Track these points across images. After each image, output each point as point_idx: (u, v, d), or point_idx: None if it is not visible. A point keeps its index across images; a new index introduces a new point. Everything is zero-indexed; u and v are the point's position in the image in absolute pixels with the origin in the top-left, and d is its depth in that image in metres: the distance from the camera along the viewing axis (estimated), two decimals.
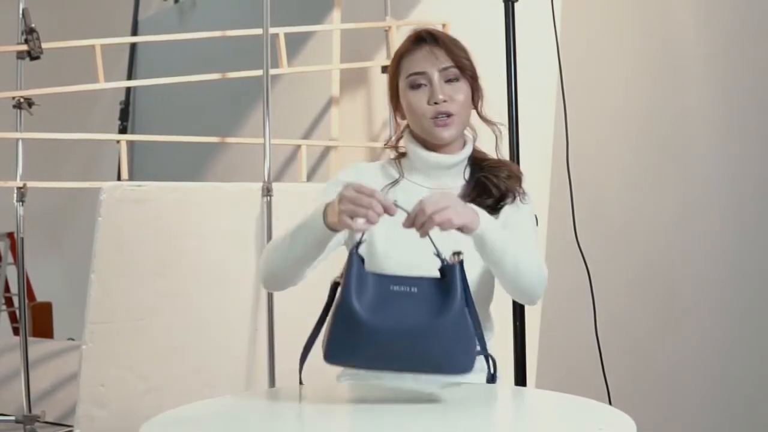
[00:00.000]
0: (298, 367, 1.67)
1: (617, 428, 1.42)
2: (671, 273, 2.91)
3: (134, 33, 5.06)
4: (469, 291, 1.61)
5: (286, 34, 3.54)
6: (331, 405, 1.63)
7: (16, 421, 2.99)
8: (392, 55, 2.02)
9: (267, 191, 2.90)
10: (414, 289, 1.55)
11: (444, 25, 3.49)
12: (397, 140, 1.90)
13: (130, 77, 4.93)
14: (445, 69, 1.81)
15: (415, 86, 1.81)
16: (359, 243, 1.59)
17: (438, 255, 1.57)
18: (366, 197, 1.54)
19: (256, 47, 3.16)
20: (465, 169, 1.87)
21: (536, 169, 3.11)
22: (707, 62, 2.83)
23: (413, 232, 1.64)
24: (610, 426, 1.43)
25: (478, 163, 1.87)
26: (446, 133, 1.81)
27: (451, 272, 1.56)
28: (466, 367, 1.53)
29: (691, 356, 2.83)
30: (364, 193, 1.55)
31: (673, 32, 2.94)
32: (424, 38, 1.83)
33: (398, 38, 3.53)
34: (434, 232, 1.60)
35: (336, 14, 3.76)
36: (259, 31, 3.16)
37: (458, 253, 1.59)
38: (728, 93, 2.77)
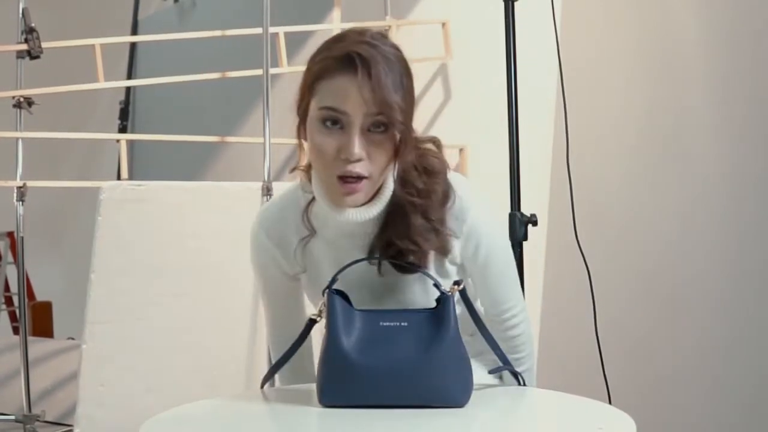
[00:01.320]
0: (275, 374, 1.67)
1: (617, 428, 1.42)
2: (671, 273, 2.90)
3: (134, 32, 5.06)
4: (476, 312, 1.60)
5: (286, 34, 3.54)
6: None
7: (16, 421, 2.99)
8: None
9: (267, 191, 2.90)
10: (404, 323, 1.50)
11: (444, 24, 3.49)
12: (307, 171, 1.57)
13: (129, 77, 4.94)
14: (373, 114, 1.40)
15: (327, 124, 1.42)
16: (333, 280, 1.53)
17: (437, 286, 1.53)
18: None
19: (255, 46, 3.16)
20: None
21: (536, 169, 3.11)
22: (707, 62, 2.83)
23: (358, 290, 1.57)
24: (610, 426, 1.43)
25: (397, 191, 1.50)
26: (351, 200, 1.45)
27: (446, 303, 1.50)
28: (462, 400, 1.50)
29: (691, 356, 2.83)
30: None
31: (673, 32, 2.94)
32: (354, 62, 1.39)
33: (398, 38, 3.53)
34: None
35: (336, 13, 3.76)
36: (259, 30, 3.16)
37: (458, 282, 1.55)
38: (728, 93, 2.77)
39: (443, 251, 1.54)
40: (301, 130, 1.52)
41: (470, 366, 1.53)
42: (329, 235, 1.58)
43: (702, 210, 2.83)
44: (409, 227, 1.50)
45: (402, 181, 1.51)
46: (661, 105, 2.96)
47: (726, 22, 2.79)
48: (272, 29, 3.19)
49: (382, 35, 1.47)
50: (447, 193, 1.53)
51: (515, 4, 2.36)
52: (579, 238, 2.39)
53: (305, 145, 1.51)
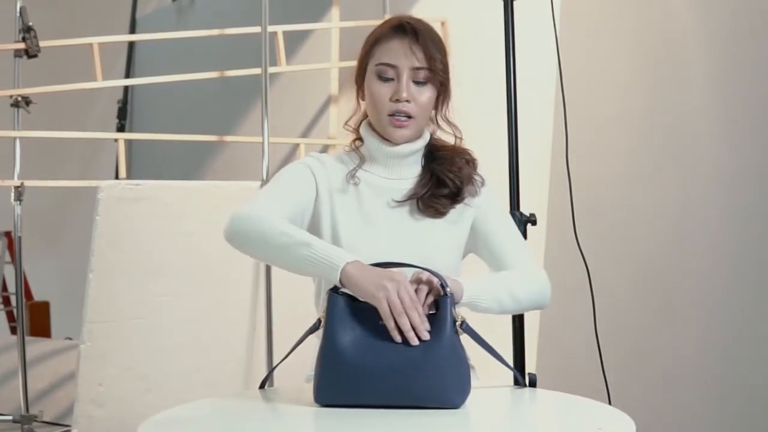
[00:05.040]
0: (292, 368, 1.66)
1: (616, 428, 1.42)
2: (671, 272, 2.90)
3: (132, 31, 5.05)
4: (481, 338, 1.60)
5: (285, 33, 3.54)
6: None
7: (14, 421, 2.98)
8: None
9: None
10: None
11: (443, 23, 3.48)
12: (357, 127, 1.85)
13: (128, 76, 4.93)
14: (417, 69, 1.76)
15: (382, 77, 1.77)
16: (336, 288, 1.56)
17: (443, 286, 1.55)
18: (414, 308, 1.51)
19: (254, 45, 3.16)
20: (422, 157, 1.84)
21: (536, 168, 3.10)
22: (707, 61, 2.82)
23: (382, 231, 1.74)
24: (610, 426, 1.43)
25: (433, 151, 1.85)
26: (399, 134, 1.78)
27: (443, 304, 1.53)
28: (457, 401, 1.51)
29: (691, 356, 2.83)
30: (414, 302, 1.52)
31: (673, 31, 2.94)
32: (405, 30, 1.77)
33: None
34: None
35: (335, 12, 3.75)
36: (257, 29, 3.15)
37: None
38: (728, 92, 2.77)
39: (471, 183, 1.81)
40: (359, 93, 1.84)
41: (468, 367, 1.54)
42: (369, 179, 1.81)
43: (701, 209, 2.82)
44: (450, 160, 1.81)
45: (438, 143, 1.86)
46: (661, 104, 2.95)
47: (726, 21, 2.79)
48: (271, 28, 3.19)
49: (422, 19, 1.83)
50: (472, 161, 1.84)
51: (514, 3, 2.36)
52: (578, 238, 2.38)
53: (362, 104, 1.84)
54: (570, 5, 3.08)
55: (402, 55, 1.75)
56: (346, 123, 1.88)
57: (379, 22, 3.64)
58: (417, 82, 1.76)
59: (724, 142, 2.78)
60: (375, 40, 1.80)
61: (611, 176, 3.06)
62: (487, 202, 1.84)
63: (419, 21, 1.80)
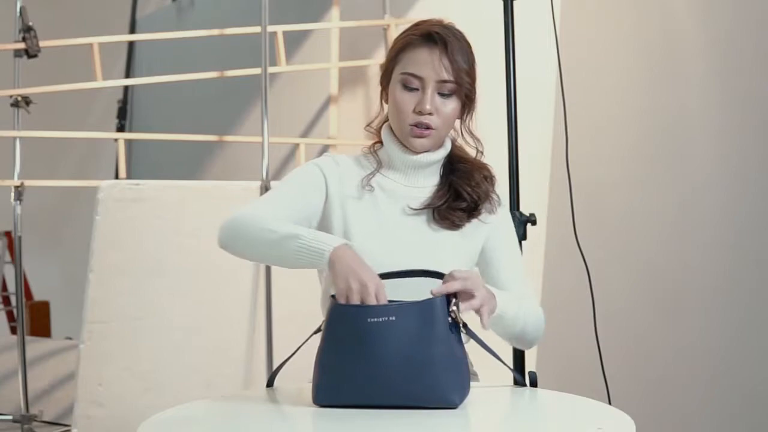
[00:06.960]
0: (291, 368, 1.66)
1: (616, 428, 1.42)
2: (671, 272, 2.90)
3: (132, 31, 5.05)
4: (479, 338, 1.59)
5: (285, 33, 3.54)
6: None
7: (14, 421, 2.98)
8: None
9: (265, 190, 2.90)
10: (392, 318, 1.49)
11: None
12: (379, 130, 1.83)
13: (128, 75, 4.93)
14: (443, 82, 1.73)
15: (406, 86, 1.74)
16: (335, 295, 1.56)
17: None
18: (373, 297, 1.52)
19: (254, 45, 3.16)
20: (441, 167, 1.82)
21: (536, 168, 3.10)
22: (707, 61, 2.82)
23: (396, 238, 1.72)
24: (610, 426, 1.43)
25: (453, 162, 1.82)
26: (419, 143, 1.75)
27: (440, 303, 1.52)
28: (455, 400, 1.49)
29: (691, 355, 2.83)
30: (377, 296, 1.53)
31: (673, 31, 2.94)
32: (434, 40, 1.73)
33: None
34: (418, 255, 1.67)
35: (334, 12, 3.75)
36: (257, 29, 3.15)
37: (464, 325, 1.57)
38: (728, 92, 2.77)
39: (488, 200, 1.79)
40: (383, 95, 1.82)
41: (466, 365, 1.53)
42: (386, 184, 1.79)
43: (701, 209, 2.83)
44: (469, 174, 1.80)
45: (459, 154, 1.83)
46: (660, 104, 2.95)
47: (726, 21, 2.79)
48: (271, 28, 3.19)
49: (452, 24, 1.82)
50: (490, 178, 1.83)
51: (514, 3, 2.36)
52: (578, 238, 2.38)
53: (386, 106, 1.82)
54: (570, 5, 3.08)
55: (429, 67, 1.72)
56: (368, 125, 1.85)
57: (378, 22, 3.69)
58: (442, 94, 1.74)
59: (724, 142, 2.78)
60: (403, 46, 1.76)
61: (611, 176, 3.06)
62: (500, 224, 1.81)
63: (449, 30, 1.77)
